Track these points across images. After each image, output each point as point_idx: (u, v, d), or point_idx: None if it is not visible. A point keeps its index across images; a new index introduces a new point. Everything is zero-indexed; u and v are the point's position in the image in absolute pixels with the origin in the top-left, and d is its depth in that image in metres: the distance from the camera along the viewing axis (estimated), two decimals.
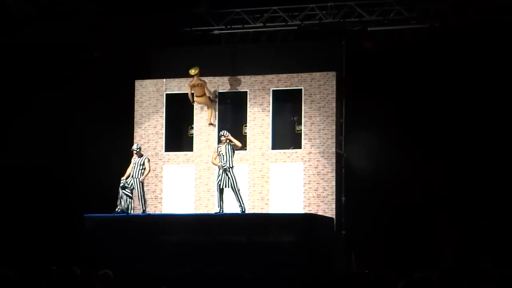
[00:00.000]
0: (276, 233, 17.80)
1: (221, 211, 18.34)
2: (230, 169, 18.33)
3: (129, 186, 18.85)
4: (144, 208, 19.07)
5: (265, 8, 20.70)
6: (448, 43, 19.86)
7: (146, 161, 19.01)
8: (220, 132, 18.97)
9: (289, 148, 20.74)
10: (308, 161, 20.45)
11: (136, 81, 21.78)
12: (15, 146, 22.16)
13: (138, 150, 19.09)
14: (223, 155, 18.40)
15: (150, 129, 21.55)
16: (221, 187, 18.39)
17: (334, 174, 20.26)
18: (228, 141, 18.54)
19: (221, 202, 18.38)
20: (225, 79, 21.28)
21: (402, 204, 19.74)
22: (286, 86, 20.89)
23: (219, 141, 18.81)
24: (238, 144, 18.81)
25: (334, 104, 20.45)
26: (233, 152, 18.60)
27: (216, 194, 18.76)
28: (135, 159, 18.97)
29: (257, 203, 20.56)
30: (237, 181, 18.35)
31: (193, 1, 20.69)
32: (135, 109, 21.70)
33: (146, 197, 19.44)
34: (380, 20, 20.14)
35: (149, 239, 18.31)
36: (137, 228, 18.58)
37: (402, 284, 7.17)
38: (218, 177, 18.49)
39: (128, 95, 21.63)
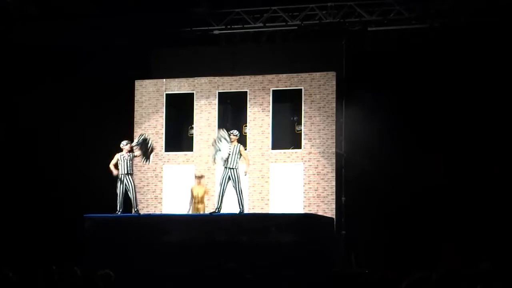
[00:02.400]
0: (276, 233, 17.78)
1: (217, 211, 18.14)
2: (233, 170, 18.04)
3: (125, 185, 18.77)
4: (136, 208, 18.93)
5: (265, 8, 20.69)
6: (448, 43, 19.87)
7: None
8: (231, 131, 18.43)
9: (289, 148, 20.74)
10: (308, 161, 20.46)
11: (136, 81, 21.80)
12: (15, 146, 22.16)
13: (126, 145, 18.96)
14: (230, 154, 18.08)
15: (150, 129, 21.56)
16: (221, 186, 18.15)
17: (334, 174, 20.27)
18: (237, 142, 18.16)
19: (220, 203, 18.16)
20: (225, 79, 21.28)
21: (402, 204, 19.74)
22: (286, 86, 20.91)
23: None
24: (246, 159, 18.11)
25: (334, 104, 20.46)
26: (240, 154, 18.22)
27: (216, 192, 18.46)
28: (123, 155, 18.77)
29: (257, 203, 20.57)
30: (240, 181, 18.11)
31: (193, 1, 20.69)
32: (135, 109, 21.72)
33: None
34: (380, 20, 20.13)
35: (149, 239, 18.29)
36: (137, 228, 18.56)
37: (404, 284, 7.16)
38: (221, 177, 18.24)
39: (128, 95, 21.64)
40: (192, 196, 19.25)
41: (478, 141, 19.60)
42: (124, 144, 18.94)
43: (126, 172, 18.70)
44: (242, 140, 20.80)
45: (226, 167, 17.95)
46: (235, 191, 18.01)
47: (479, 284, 7.97)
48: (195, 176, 19.64)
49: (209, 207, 20.04)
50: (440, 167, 19.92)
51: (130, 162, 18.78)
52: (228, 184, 17.95)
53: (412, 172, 19.83)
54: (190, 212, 19.27)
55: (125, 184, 18.71)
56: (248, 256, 17.50)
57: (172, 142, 21.50)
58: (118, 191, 18.69)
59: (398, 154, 19.83)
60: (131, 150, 18.93)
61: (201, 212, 19.12)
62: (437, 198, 19.79)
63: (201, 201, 19.19)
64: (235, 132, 18.25)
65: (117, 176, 18.54)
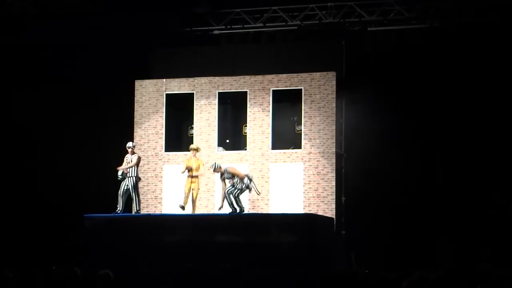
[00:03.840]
0: (276, 233, 17.79)
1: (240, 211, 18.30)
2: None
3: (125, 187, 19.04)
4: (138, 208, 19.08)
5: (265, 8, 20.69)
6: (448, 43, 19.87)
7: (135, 158, 19.09)
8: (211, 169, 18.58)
9: (289, 148, 20.74)
10: (308, 161, 20.45)
11: (136, 81, 21.79)
12: (15, 146, 22.16)
13: (133, 147, 19.28)
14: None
15: (150, 129, 21.56)
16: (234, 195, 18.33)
17: (334, 174, 20.26)
18: (221, 173, 18.32)
19: (222, 202, 18.38)
20: (225, 79, 21.28)
21: (402, 204, 19.74)
22: (286, 86, 20.90)
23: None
24: (240, 174, 18.29)
25: (334, 104, 20.45)
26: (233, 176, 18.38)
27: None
28: (127, 157, 19.16)
29: (257, 203, 20.57)
30: (229, 187, 18.26)
31: (193, 1, 20.69)
32: (135, 109, 21.71)
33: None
34: (380, 20, 20.13)
35: (149, 239, 18.30)
36: (137, 228, 18.57)
37: (405, 284, 7.16)
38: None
39: (128, 95, 21.64)
40: (186, 169, 19.05)
41: (478, 141, 19.60)
42: (129, 146, 19.21)
43: (130, 175, 18.94)
44: (242, 140, 20.87)
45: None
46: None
47: (479, 284, 7.97)
48: (191, 149, 19.50)
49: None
50: (440, 167, 19.93)
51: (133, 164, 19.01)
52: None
53: (412, 172, 19.83)
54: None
55: (127, 185, 18.94)
56: (248, 256, 17.50)
57: (172, 142, 21.48)
58: (120, 191, 18.92)
59: (398, 154, 19.83)
60: (133, 152, 19.17)
61: (193, 188, 18.98)
62: (437, 198, 19.79)
63: (195, 175, 18.99)
64: (215, 166, 18.41)
65: (122, 176, 18.85)
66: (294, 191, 20.46)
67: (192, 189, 19.00)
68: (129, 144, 19.41)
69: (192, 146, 19.71)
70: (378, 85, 20.02)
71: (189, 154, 19.59)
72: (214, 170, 18.52)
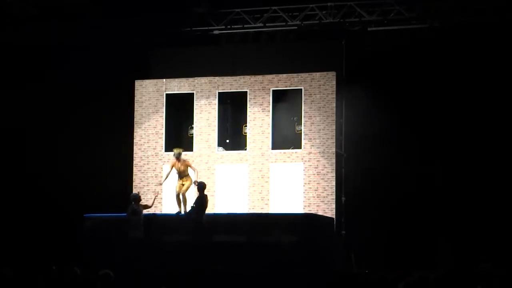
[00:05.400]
0: (276, 233, 17.78)
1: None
2: None
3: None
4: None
5: (265, 8, 20.69)
6: (448, 43, 19.87)
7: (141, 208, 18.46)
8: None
9: (289, 148, 20.74)
10: (308, 161, 20.46)
11: (136, 81, 21.80)
12: (15, 146, 22.16)
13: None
14: None
15: (150, 129, 21.56)
16: None
17: (334, 174, 20.27)
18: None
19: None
20: (225, 79, 21.28)
21: (402, 204, 19.74)
22: (286, 86, 20.91)
23: None
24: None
25: (334, 104, 20.46)
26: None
27: None
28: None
29: (257, 203, 20.57)
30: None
31: (193, 1, 20.69)
32: (135, 109, 21.71)
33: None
34: (380, 20, 20.13)
35: (149, 239, 18.28)
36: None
37: (402, 284, 7.17)
38: None
39: (128, 95, 21.64)
40: (173, 172, 18.79)
41: (478, 141, 19.60)
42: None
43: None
44: (242, 140, 20.87)
45: None
46: None
47: (479, 284, 7.97)
48: (174, 155, 18.81)
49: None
50: (440, 167, 19.92)
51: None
52: None
53: (412, 172, 19.82)
54: (165, 182, 18.93)
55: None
56: (248, 256, 17.49)
57: (172, 142, 21.47)
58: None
59: (398, 154, 19.82)
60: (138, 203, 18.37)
61: (185, 188, 18.71)
62: (437, 198, 19.78)
63: (185, 175, 18.70)
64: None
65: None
66: (294, 191, 20.46)
67: (182, 185, 18.62)
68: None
69: (174, 152, 18.91)
70: (378, 85, 20.01)
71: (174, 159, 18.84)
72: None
